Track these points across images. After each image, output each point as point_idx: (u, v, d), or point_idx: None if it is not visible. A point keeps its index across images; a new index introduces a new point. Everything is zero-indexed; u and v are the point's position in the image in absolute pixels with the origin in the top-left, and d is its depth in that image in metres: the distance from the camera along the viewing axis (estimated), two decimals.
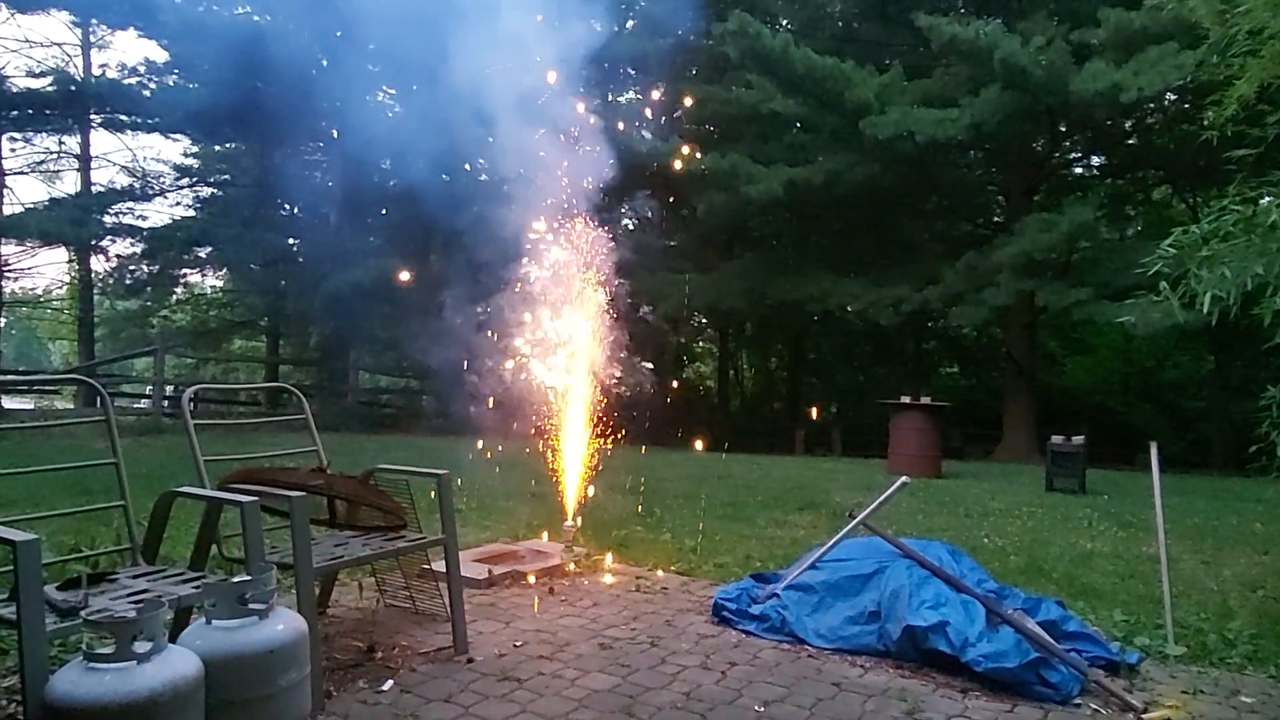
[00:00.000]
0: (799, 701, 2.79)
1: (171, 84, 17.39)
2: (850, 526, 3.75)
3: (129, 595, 2.30)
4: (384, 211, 18.77)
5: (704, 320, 22.54)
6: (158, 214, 19.64)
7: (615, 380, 5.24)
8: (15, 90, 16.84)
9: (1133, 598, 4.26)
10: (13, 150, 18.78)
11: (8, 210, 17.75)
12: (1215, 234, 4.03)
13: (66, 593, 2.28)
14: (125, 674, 1.93)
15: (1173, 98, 14.53)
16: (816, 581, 3.55)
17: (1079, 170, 19.14)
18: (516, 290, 5.20)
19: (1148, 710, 2.77)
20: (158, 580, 2.50)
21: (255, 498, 2.56)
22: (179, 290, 21.95)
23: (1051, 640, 3.04)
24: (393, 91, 17.55)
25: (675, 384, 20.85)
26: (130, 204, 18.53)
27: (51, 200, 17.90)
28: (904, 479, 3.98)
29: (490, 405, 5.23)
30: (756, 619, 3.54)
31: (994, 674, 2.89)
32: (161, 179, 19.79)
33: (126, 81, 17.31)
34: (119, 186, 19.08)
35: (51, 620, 2.07)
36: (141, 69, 17.49)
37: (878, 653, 3.23)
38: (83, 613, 2.04)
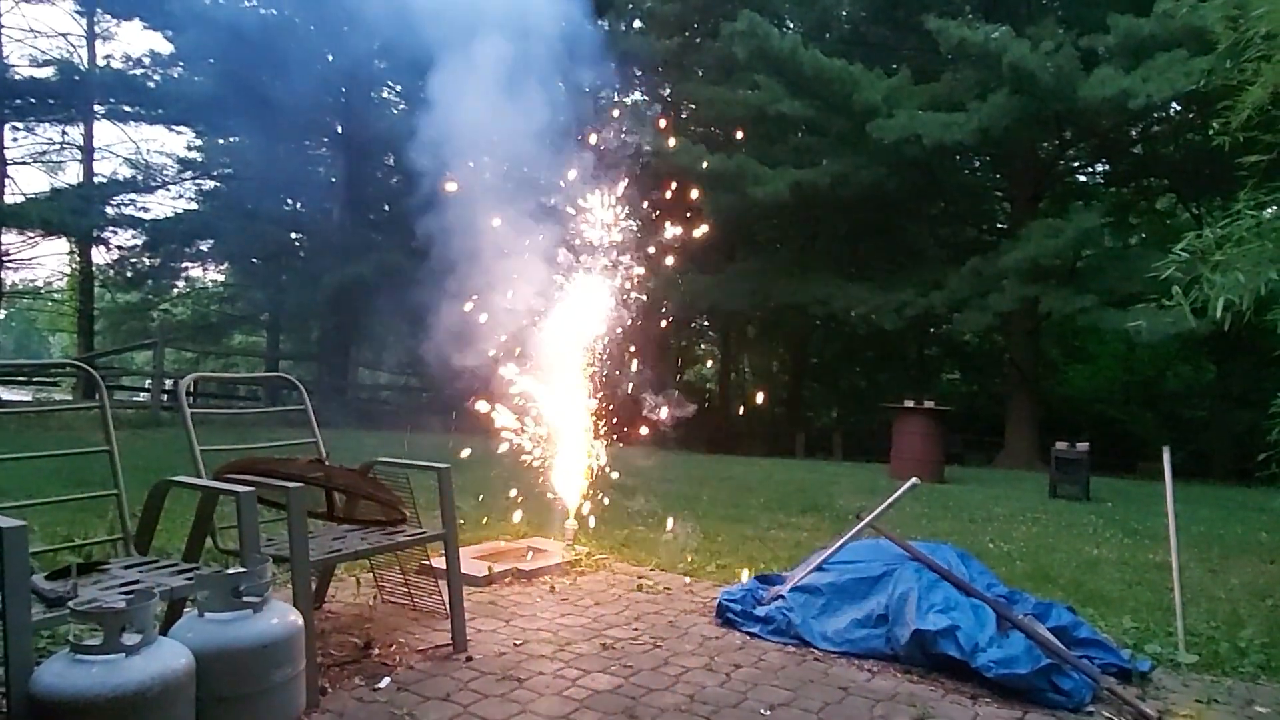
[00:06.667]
0: (805, 705, 2.73)
1: (176, 76, 17.34)
2: (858, 528, 3.69)
3: (119, 585, 2.24)
4: (386, 208, 18.73)
5: (706, 322, 22.46)
6: (160, 206, 19.53)
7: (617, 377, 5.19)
8: (19, 79, 16.81)
9: (1141, 605, 4.20)
10: (15, 140, 18.71)
11: (9, 200, 17.67)
12: (1228, 238, 3.98)
13: (55, 582, 2.21)
14: (113, 666, 1.87)
15: (1178, 108, 14.50)
16: (823, 584, 3.48)
17: (1083, 178, 19.12)
18: (517, 287, 5.14)
19: (1162, 719, 2.71)
20: (150, 571, 2.43)
21: (251, 488, 2.50)
22: (180, 284, 21.83)
23: (1063, 646, 2.97)
24: (398, 87, 17.54)
25: (676, 385, 20.78)
26: (132, 195, 18.46)
27: (53, 190, 17.81)
28: (914, 480, 3.91)
29: (491, 404, 5.17)
30: (761, 621, 3.47)
31: (1005, 680, 2.83)
32: (164, 171, 19.74)
33: (131, 73, 17.25)
34: (121, 178, 19.02)
35: (38, 610, 2.00)
36: (146, 60, 17.42)
37: (885, 657, 3.16)
38: (70, 602, 1.98)
